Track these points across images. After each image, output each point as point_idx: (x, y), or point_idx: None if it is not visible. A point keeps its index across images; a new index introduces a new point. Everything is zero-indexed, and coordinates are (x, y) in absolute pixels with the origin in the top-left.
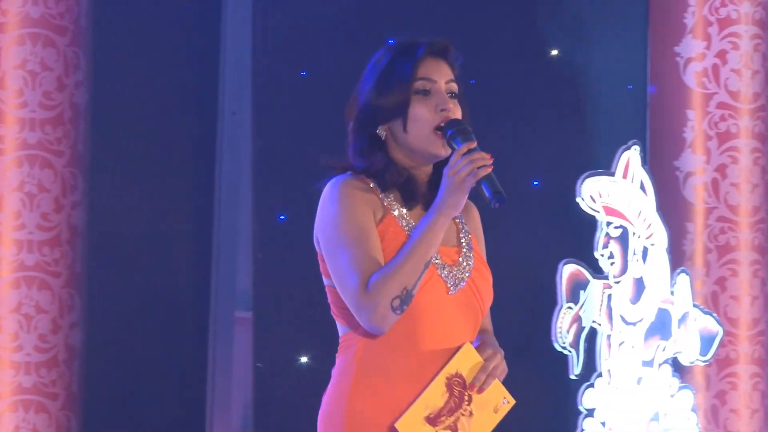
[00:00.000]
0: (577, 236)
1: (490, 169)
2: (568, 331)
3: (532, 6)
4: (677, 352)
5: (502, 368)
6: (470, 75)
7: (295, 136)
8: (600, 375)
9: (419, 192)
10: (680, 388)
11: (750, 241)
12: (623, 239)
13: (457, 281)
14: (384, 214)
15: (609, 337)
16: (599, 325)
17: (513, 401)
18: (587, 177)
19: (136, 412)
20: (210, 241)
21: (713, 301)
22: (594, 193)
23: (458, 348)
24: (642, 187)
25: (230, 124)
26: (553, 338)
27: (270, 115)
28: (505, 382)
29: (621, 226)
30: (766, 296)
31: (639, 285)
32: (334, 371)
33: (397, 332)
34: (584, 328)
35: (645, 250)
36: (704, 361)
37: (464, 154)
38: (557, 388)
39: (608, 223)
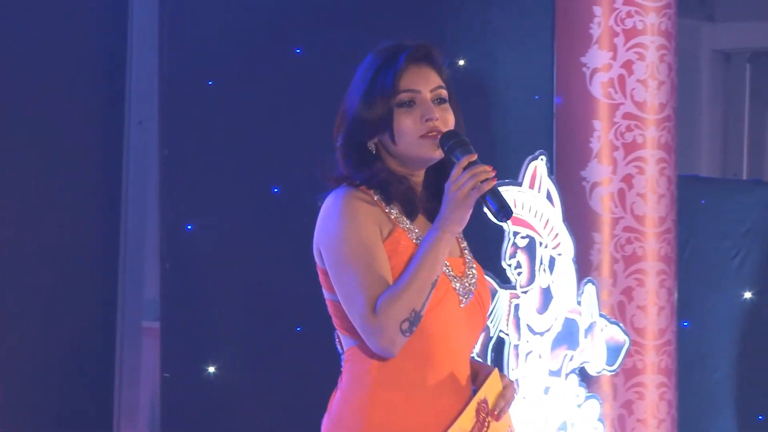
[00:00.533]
0: (484, 246)
1: (493, 183)
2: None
3: (439, 16)
4: (584, 362)
5: (512, 397)
6: None
7: (202, 145)
8: None
9: (419, 201)
10: (587, 397)
11: (656, 251)
12: (530, 249)
13: (467, 293)
14: (392, 229)
15: (516, 347)
16: (507, 335)
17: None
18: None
19: (42, 422)
20: (117, 250)
21: (620, 311)
22: None
23: (488, 373)
24: (549, 197)
25: (137, 133)
26: None
27: (177, 124)
28: None
29: (528, 236)
30: (673, 306)
31: (546, 295)
32: (344, 383)
33: (412, 345)
34: (492, 338)
35: (552, 260)
36: (611, 371)
37: (465, 168)
38: None
39: (515, 233)
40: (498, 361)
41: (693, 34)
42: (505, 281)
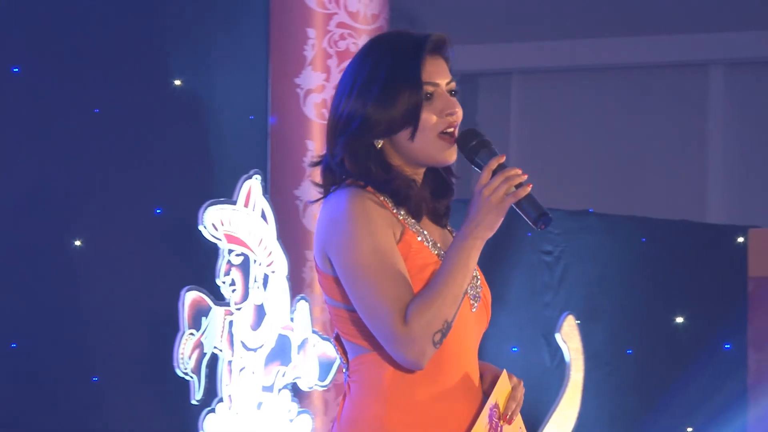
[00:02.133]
0: (200, 263)
1: (529, 187)
2: (190, 357)
3: (156, 36)
4: (296, 378)
5: (522, 397)
6: (93, 104)
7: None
8: (221, 400)
9: (423, 202)
10: (299, 412)
11: None
12: (245, 267)
13: (476, 297)
14: (402, 232)
15: (230, 362)
16: (221, 351)
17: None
18: (209, 205)
19: None
20: None
21: (331, 328)
22: (216, 222)
23: (496, 374)
24: (263, 216)
25: None
26: (175, 364)
27: None
28: (126, 408)
29: (242, 254)
30: None
31: (260, 312)
32: (355, 392)
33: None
34: (206, 354)
35: (266, 278)
36: (322, 387)
37: (497, 171)
38: (179, 413)
39: (230, 251)
40: (212, 377)
41: None
42: (219, 298)
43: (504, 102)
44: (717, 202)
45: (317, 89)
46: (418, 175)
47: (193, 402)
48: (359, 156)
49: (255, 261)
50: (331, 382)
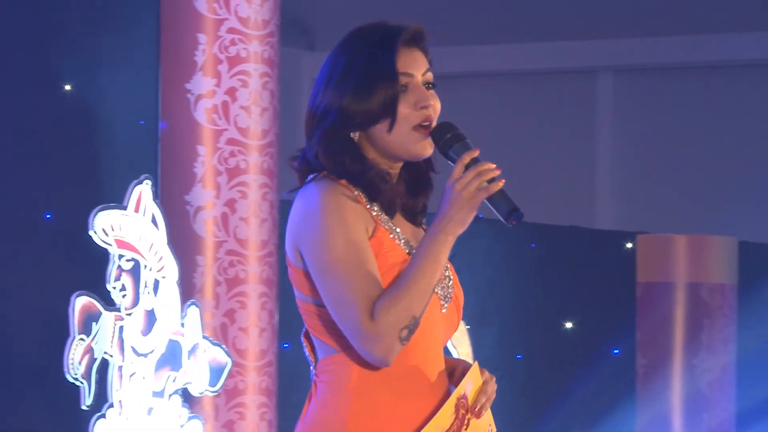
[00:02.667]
0: (90, 269)
1: (502, 183)
2: (80, 363)
3: (46, 40)
4: (187, 383)
5: (493, 392)
6: None
7: None
8: (111, 405)
9: (399, 197)
10: (190, 418)
11: (258, 275)
12: (135, 272)
13: (446, 298)
14: (375, 228)
15: (120, 368)
16: (111, 356)
17: (495, 430)
18: (100, 210)
19: None
20: None
21: (222, 333)
22: (106, 227)
23: (466, 368)
24: (154, 221)
25: None
26: (65, 369)
27: None
28: (16, 413)
29: (133, 259)
30: (274, 328)
31: (150, 317)
32: (321, 393)
33: (399, 353)
34: (96, 359)
35: (156, 283)
36: (213, 392)
37: (469, 165)
38: (70, 419)
39: (120, 256)
40: (102, 382)
41: (294, 63)
42: (110, 303)
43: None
44: (606, 208)
45: (208, 95)
46: (394, 169)
47: (84, 407)
48: (334, 148)
49: (145, 266)
50: (221, 387)
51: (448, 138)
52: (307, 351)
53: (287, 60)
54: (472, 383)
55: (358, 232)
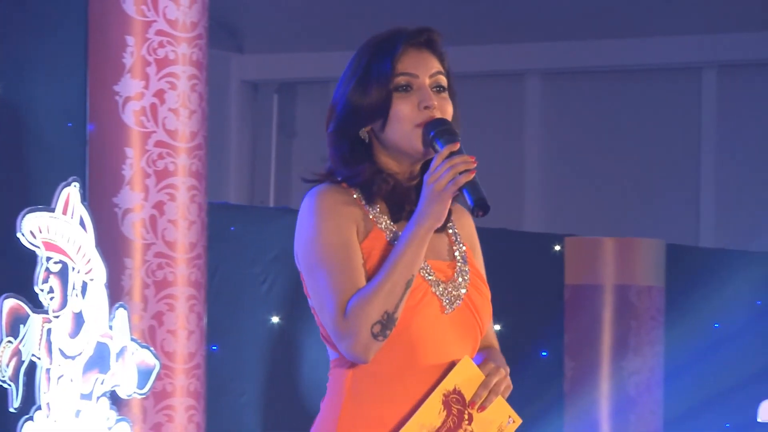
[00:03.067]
0: (18, 271)
1: (472, 175)
2: (8, 365)
3: None
4: (115, 386)
5: (507, 384)
6: None
7: None
8: (39, 408)
9: (406, 202)
10: (118, 420)
11: (187, 277)
12: (63, 274)
13: (452, 299)
14: (369, 229)
15: (48, 370)
16: (39, 358)
17: (519, 420)
18: (27, 212)
19: None
20: None
21: (150, 335)
22: (34, 229)
23: (452, 363)
24: (82, 223)
25: None
26: None
27: None
28: None
29: (61, 261)
30: (202, 330)
31: (78, 319)
32: (326, 395)
33: (391, 355)
34: (24, 362)
35: (84, 285)
36: (141, 394)
37: (445, 158)
38: None
39: (48, 258)
40: (30, 385)
41: (223, 65)
42: (38, 306)
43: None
44: (534, 210)
45: (136, 97)
46: (406, 173)
47: (11, 410)
48: (339, 148)
49: (73, 269)
50: (149, 389)
51: (435, 132)
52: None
53: (216, 62)
54: (462, 377)
55: (346, 232)
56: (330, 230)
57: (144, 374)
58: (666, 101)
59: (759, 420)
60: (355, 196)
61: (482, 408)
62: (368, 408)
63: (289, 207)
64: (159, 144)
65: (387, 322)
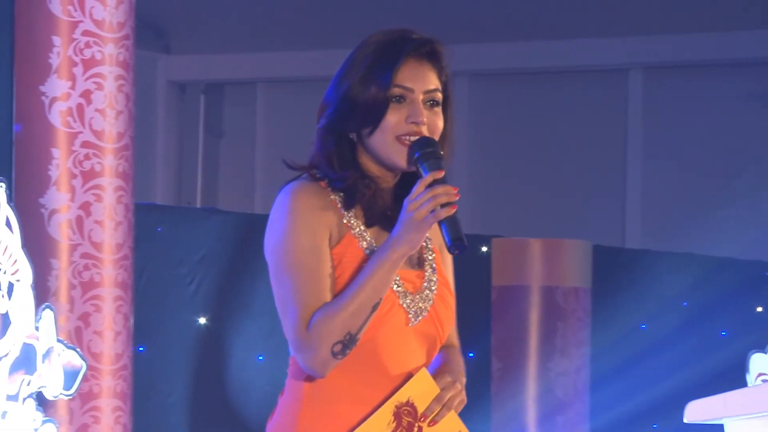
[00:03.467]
0: None
1: (453, 210)
2: None
3: None
4: (42, 387)
5: (461, 399)
6: None
7: None
8: None
9: (383, 208)
10: (44, 422)
11: (114, 278)
12: None
13: (418, 311)
14: (343, 234)
15: None
16: None
17: None
18: None
19: None
20: None
21: (77, 336)
22: None
23: (411, 374)
24: (8, 224)
25: None
26: None
27: None
28: None
29: None
30: (129, 331)
31: (5, 320)
32: (284, 394)
33: (353, 363)
34: None
35: (11, 286)
36: (68, 396)
37: (428, 186)
38: None
39: None
40: None
41: (150, 65)
42: None
43: (250, 111)
44: (461, 211)
45: (63, 97)
46: (387, 179)
47: None
48: (328, 146)
49: (0, 269)
50: (76, 391)
51: (421, 154)
52: None
53: (143, 63)
54: (416, 390)
55: (318, 237)
56: (302, 235)
57: (70, 375)
58: (592, 103)
59: (686, 421)
60: (332, 197)
61: (433, 422)
62: (327, 411)
63: (216, 207)
64: (86, 144)
65: (348, 342)
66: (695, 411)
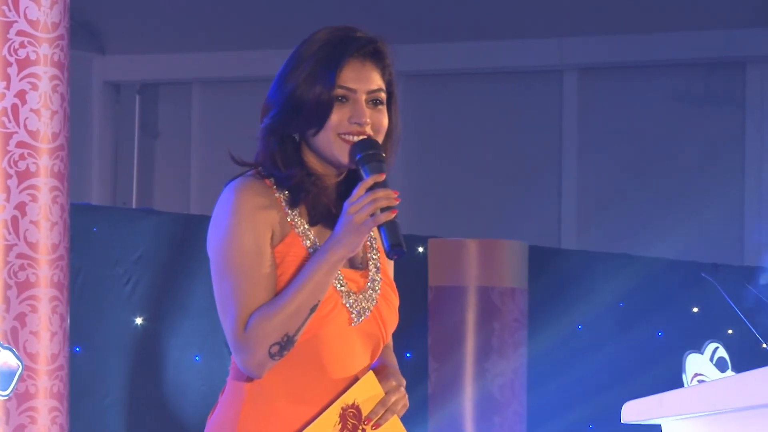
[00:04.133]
0: None
1: (393, 214)
2: None
3: None
4: None
5: (404, 403)
6: None
7: None
8: None
9: (327, 206)
10: None
11: (49, 278)
12: None
13: (361, 311)
14: (286, 233)
15: None
16: None
17: None
18: None
19: None
20: None
21: (13, 337)
22: None
23: (357, 377)
24: None
25: None
26: None
27: None
28: None
29: None
30: (65, 332)
31: None
32: (225, 394)
33: (295, 362)
34: None
35: None
36: (4, 396)
37: (369, 189)
38: None
39: None
40: None
41: (85, 66)
42: None
43: (185, 111)
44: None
45: None
46: (331, 176)
47: None
48: (272, 146)
49: None
50: (12, 391)
51: (362, 156)
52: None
53: (78, 63)
54: (362, 393)
55: (260, 238)
56: (245, 236)
57: (6, 376)
58: (528, 104)
59: (623, 421)
60: (276, 195)
61: (377, 425)
62: (268, 411)
63: (151, 208)
64: (20, 145)
65: (286, 344)
66: (632, 411)
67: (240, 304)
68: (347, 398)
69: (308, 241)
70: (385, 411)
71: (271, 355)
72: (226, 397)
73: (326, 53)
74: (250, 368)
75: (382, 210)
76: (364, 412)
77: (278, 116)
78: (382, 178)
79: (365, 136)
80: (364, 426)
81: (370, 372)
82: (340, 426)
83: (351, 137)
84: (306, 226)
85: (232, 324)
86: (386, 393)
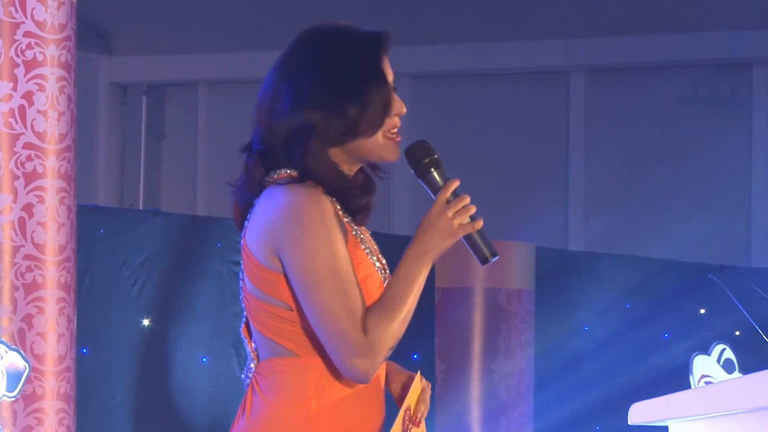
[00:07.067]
0: None
1: (481, 222)
2: None
3: None
4: None
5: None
6: None
7: None
8: None
9: (362, 206)
10: None
11: (56, 279)
12: None
13: None
14: (347, 238)
15: None
16: None
17: None
18: None
19: None
20: None
21: (20, 338)
22: None
23: (411, 378)
24: None
25: None
26: None
27: None
28: None
29: None
30: (72, 333)
31: None
32: (274, 395)
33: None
34: None
35: None
36: (11, 397)
37: (454, 195)
38: None
39: None
40: None
41: (92, 67)
42: None
43: (192, 112)
44: (402, 213)
45: (4, 99)
46: (352, 170)
47: None
48: (322, 159)
49: None
50: (19, 393)
51: (427, 162)
52: (248, 347)
53: (84, 64)
54: (414, 394)
55: (342, 244)
56: (330, 242)
57: (14, 377)
58: (534, 105)
59: (630, 422)
60: (331, 200)
61: (419, 423)
62: (335, 410)
63: (158, 209)
64: (28, 146)
65: (395, 346)
66: (639, 413)
67: (351, 310)
68: (407, 401)
69: (364, 245)
70: (424, 408)
71: (385, 359)
72: (278, 397)
73: (366, 53)
74: (365, 371)
75: (474, 219)
76: (412, 411)
77: (335, 127)
78: (457, 183)
79: (419, 140)
80: (410, 425)
81: (418, 373)
82: (401, 429)
83: (395, 135)
84: (356, 229)
85: (347, 330)
86: (422, 390)
